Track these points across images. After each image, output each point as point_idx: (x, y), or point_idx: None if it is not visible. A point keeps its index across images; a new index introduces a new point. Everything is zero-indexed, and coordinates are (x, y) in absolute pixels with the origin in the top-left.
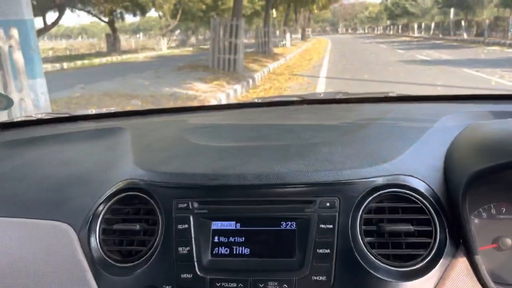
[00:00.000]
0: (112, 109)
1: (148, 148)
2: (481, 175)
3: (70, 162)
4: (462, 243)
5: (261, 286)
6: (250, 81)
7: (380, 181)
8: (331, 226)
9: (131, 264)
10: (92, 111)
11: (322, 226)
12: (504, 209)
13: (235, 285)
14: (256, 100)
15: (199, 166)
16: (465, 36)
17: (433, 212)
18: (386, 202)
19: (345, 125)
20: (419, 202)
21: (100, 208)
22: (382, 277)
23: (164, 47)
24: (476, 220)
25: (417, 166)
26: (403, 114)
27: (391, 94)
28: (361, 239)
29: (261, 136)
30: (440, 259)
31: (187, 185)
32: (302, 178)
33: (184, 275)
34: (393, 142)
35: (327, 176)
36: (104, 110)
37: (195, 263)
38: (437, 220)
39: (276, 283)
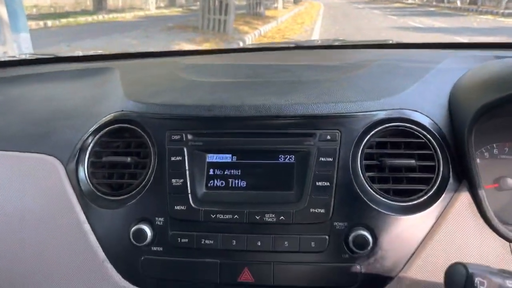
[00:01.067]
0: (100, 51)
1: (139, 82)
2: (489, 108)
3: (55, 98)
4: (465, 179)
5: (257, 218)
6: (241, 43)
7: (383, 114)
8: (331, 159)
9: (122, 197)
10: (79, 53)
11: (322, 159)
12: (507, 149)
13: (230, 217)
14: (251, 46)
15: (193, 98)
16: (458, 3)
17: (437, 147)
18: (388, 137)
19: (344, 66)
20: (423, 137)
21: (89, 140)
22: (382, 211)
23: (152, 6)
24: (478, 160)
25: (421, 102)
26: (404, 57)
27: (390, 41)
28: (362, 173)
29: (257, 74)
30: (442, 194)
31: (181, 116)
32: (302, 110)
33: (178, 207)
34: (396, 79)
35: (328, 108)
36: (91, 52)
37: (189, 195)
38: (441, 155)
39: (273, 215)
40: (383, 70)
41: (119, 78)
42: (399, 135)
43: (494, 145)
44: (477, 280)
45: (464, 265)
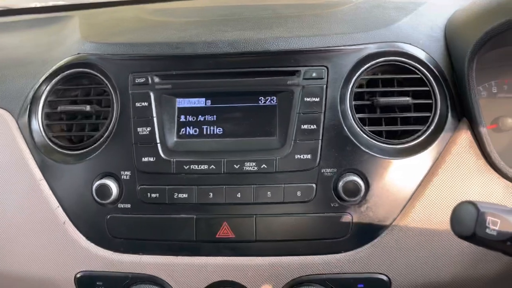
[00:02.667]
0: (61, 2)
1: (99, 25)
2: (491, 35)
3: (6, 47)
4: (465, 117)
5: (236, 167)
6: None
7: (374, 48)
8: (317, 99)
9: (82, 150)
10: (36, 4)
11: (307, 99)
12: (506, 86)
13: (206, 167)
14: None
15: (159, 36)
16: None
17: (434, 83)
18: (380, 74)
19: (330, 3)
20: (418, 72)
21: (42, 89)
22: (375, 155)
23: None
24: None
25: (416, 35)
26: None
27: None
28: (352, 114)
29: (233, 13)
30: (440, 133)
31: (146, 56)
32: (284, 44)
33: (145, 159)
34: (387, 11)
35: (313, 42)
36: (51, 3)
37: (158, 145)
38: (438, 91)
39: (253, 164)
40: (371, 5)
41: (77, 24)
42: (392, 72)
43: (493, 82)
44: (489, 219)
45: (473, 203)
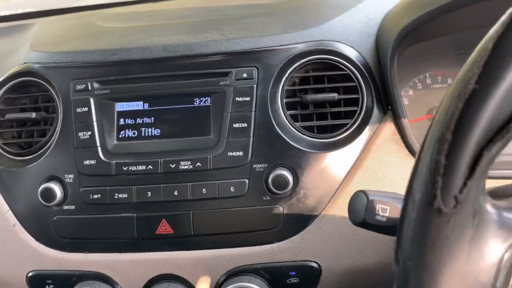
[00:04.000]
0: (30, 9)
1: (50, 33)
2: (409, 29)
3: None
4: (390, 109)
5: (172, 166)
6: None
7: (302, 47)
8: (248, 98)
9: (30, 156)
10: (6, 12)
11: (239, 99)
12: (440, 78)
13: (144, 167)
14: None
15: (99, 44)
16: None
17: (360, 78)
18: (311, 72)
19: (279, 2)
20: (346, 69)
21: None
22: (303, 149)
23: None
24: (410, 92)
25: (346, 32)
26: None
27: None
28: (283, 111)
29: (181, 16)
30: (366, 126)
31: (85, 63)
32: (215, 47)
33: (87, 162)
34: (321, 10)
35: (243, 44)
36: (19, 10)
37: (99, 148)
38: (365, 86)
39: (189, 162)
40: (315, 2)
41: (33, 32)
42: (322, 69)
43: (427, 74)
44: (378, 206)
45: (364, 192)
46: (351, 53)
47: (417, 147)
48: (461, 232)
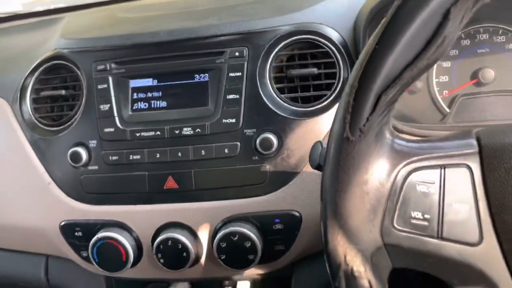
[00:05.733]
0: (62, 4)
1: (77, 24)
2: (375, 11)
3: (7, 48)
4: None
5: (176, 132)
6: None
7: (287, 28)
8: (239, 74)
9: (61, 127)
10: (40, 8)
11: (232, 74)
12: None
13: (153, 133)
14: None
15: (117, 31)
16: None
17: (338, 55)
18: (296, 51)
19: None
20: (325, 47)
21: (29, 79)
22: (287, 116)
23: None
24: None
25: (329, 15)
26: None
27: None
28: (271, 84)
29: (187, 6)
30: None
31: (104, 47)
32: (213, 31)
33: (106, 129)
34: None
35: (236, 27)
36: (52, 6)
37: (116, 118)
38: (342, 62)
39: (190, 129)
40: None
41: (62, 24)
42: (306, 48)
43: None
44: None
45: (321, 142)
46: (332, 34)
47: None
48: (365, 155)
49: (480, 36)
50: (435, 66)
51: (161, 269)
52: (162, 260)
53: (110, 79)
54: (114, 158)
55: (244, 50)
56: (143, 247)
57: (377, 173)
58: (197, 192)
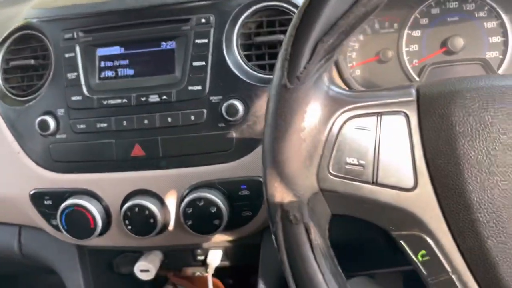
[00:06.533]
0: None
1: None
2: None
3: None
4: None
5: (143, 100)
6: None
7: None
8: (205, 40)
9: (31, 96)
10: None
11: (198, 41)
12: (387, 23)
13: (119, 101)
14: None
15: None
16: None
17: None
18: (264, 17)
19: None
20: (291, 13)
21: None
22: (253, 83)
23: None
24: (360, 37)
25: None
26: None
27: None
28: (238, 51)
29: None
30: None
31: (71, 16)
32: None
33: (74, 98)
34: None
35: None
36: None
37: (83, 86)
38: None
39: (156, 96)
40: None
41: None
42: (274, 15)
43: (375, 20)
44: None
45: None
46: (299, 1)
47: (352, 81)
48: (302, 102)
49: (450, 4)
50: (404, 35)
51: (130, 237)
52: (129, 227)
53: (77, 47)
54: (82, 126)
55: (211, 17)
56: (112, 215)
57: (314, 120)
58: (164, 160)
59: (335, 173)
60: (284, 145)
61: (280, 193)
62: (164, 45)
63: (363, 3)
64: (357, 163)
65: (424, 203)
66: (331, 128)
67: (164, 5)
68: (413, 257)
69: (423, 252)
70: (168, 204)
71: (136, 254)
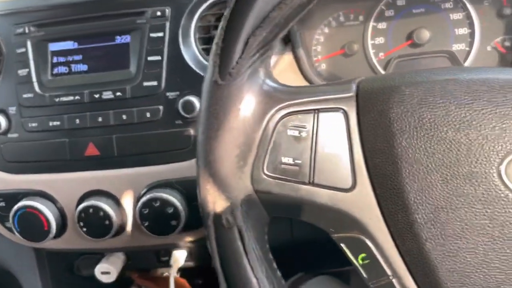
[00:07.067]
0: None
1: None
2: None
3: None
4: (290, 41)
5: (96, 96)
6: None
7: None
8: (161, 34)
9: None
10: None
11: (153, 35)
12: (352, 15)
13: (72, 98)
14: None
15: None
16: None
17: None
18: (223, 10)
19: None
20: None
21: None
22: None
23: None
24: (326, 30)
25: None
26: None
27: None
28: (195, 45)
29: None
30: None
31: (22, 9)
32: None
33: (25, 95)
34: None
35: None
36: None
37: (35, 83)
38: None
39: (110, 92)
40: None
41: None
42: None
43: (341, 13)
44: None
45: None
46: None
47: (309, 73)
48: (235, 100)
49: None
50: (370, 27)
51: (87, 239)
52: (84, 229)
53: (29, 42)
54: (34, 125)
55: (166, 10)
56: (67, 216)
57: (248, 118)
58: (119, 159)
59: (269, 174)
60: (216, 145)
61: (212, 196)
62: (119, 39)
63: None
64: (293, 162)
65: (363, 204)
66: (266, 126)
67: None
68: (354, 260)
69: (363, 255)
70: (124, 205)
71: (98, 255)
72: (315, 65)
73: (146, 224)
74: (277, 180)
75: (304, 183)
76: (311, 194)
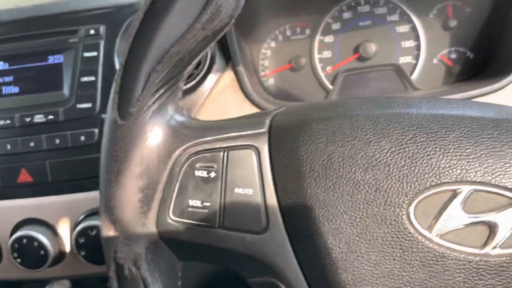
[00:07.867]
0: None
1: None
2: None
3: None
4: (230, 59)
5: (27, 120)
6: None
7: None
8: (95, 53)
9: None
10: None
11: (87, 54)
12: (299, 29)
13: (3, 122)
14: None
15: None
16: None
17: None
18: None
19: None
20: None
21: None
22: None
23: None
24: (272, 44)
25: None
26: None
27: None
28: None
29: None
30: (209, 75)
31: None
32: (65, 7)
33: None
34: None
35: (92, 2)
36: None
37: None
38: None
39: (42, 116)
40: None
41: None
42: None
43: (287, 26)
44: None
45: None
46: None
47: (250, 92)
48: (138, 141)
49: (362, 8)
50: (316, 41)
51: (24, 270)
52: (19, 260)
53: None
54: None
55: (101, 28)
56: (2, 247)
57: (152, 159)
58: (54, 185)
59: (176, 219)
60: (116, 190)
61: (113, 244)
62: (51, 60)
63: (200, 27)
64: (201, 205)
65: (277, 247)
66: (172, 167)
67: (51, 16)
68: None
69: None
70: (61, 234)
71: (40, 283)
72: (262, 79)
73: (83, 253)
74: (184, 225)
75: (213, 227)
76: (221, 239)
